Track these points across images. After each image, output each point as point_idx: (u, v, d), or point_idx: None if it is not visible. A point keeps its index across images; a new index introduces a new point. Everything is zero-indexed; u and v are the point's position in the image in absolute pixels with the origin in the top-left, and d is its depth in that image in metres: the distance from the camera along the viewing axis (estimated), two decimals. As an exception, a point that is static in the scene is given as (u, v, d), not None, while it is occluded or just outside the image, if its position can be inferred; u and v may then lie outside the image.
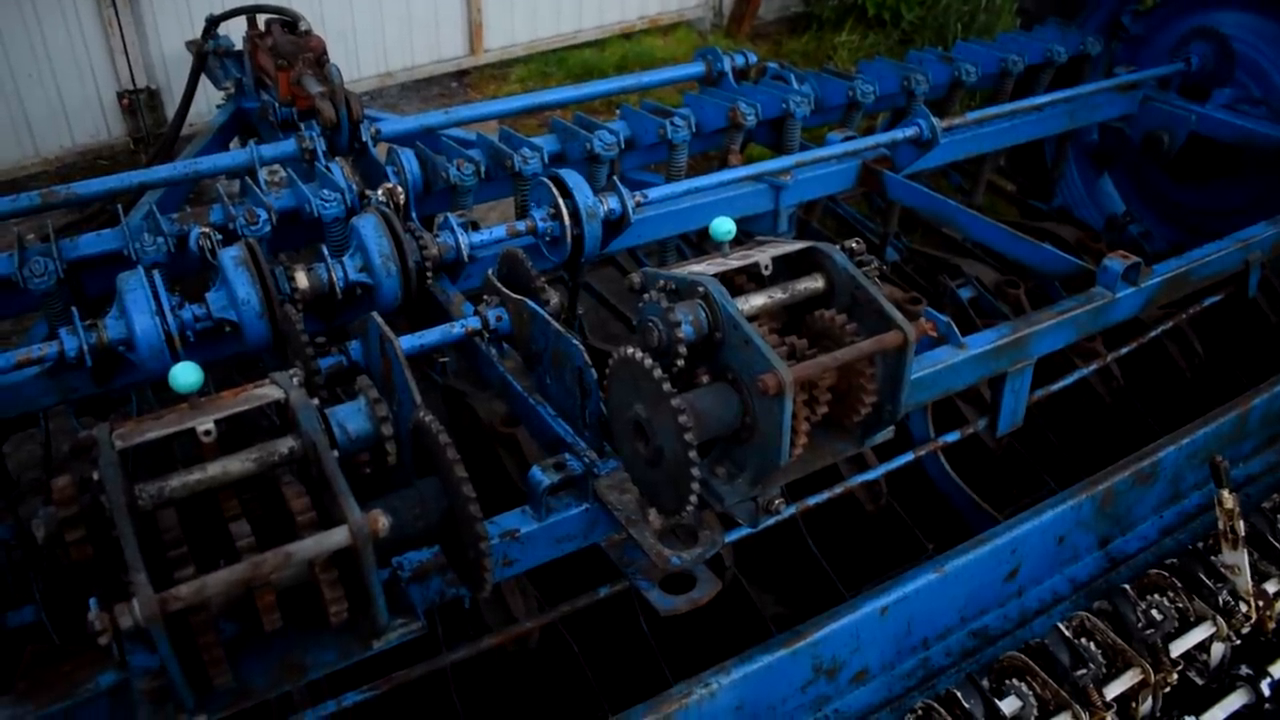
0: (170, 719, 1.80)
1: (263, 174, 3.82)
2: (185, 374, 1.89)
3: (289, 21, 4.61)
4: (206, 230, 3.17)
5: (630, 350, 2.12)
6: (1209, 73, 5.16)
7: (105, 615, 1.60)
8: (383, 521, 1.72)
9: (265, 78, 4.58)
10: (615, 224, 3.49)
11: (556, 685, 3.21)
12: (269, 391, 1.96)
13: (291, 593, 1.85)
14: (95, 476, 1.76)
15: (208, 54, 5.73)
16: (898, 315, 2.19)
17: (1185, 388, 4.43)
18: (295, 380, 2.01)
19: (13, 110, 7.44)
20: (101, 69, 7.69)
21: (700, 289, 2.18)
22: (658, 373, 2.04)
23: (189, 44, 6.18)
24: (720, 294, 2.16)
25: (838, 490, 3.37)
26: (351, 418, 2.01)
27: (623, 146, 4.18)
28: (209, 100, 6.85)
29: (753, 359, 2.07)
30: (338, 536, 1.70)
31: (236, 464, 1.85)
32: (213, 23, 5.67)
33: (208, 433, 1.85)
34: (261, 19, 4.74)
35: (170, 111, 7.54)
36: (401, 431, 2.15)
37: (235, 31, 5.29)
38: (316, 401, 1.94)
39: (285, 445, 1.88)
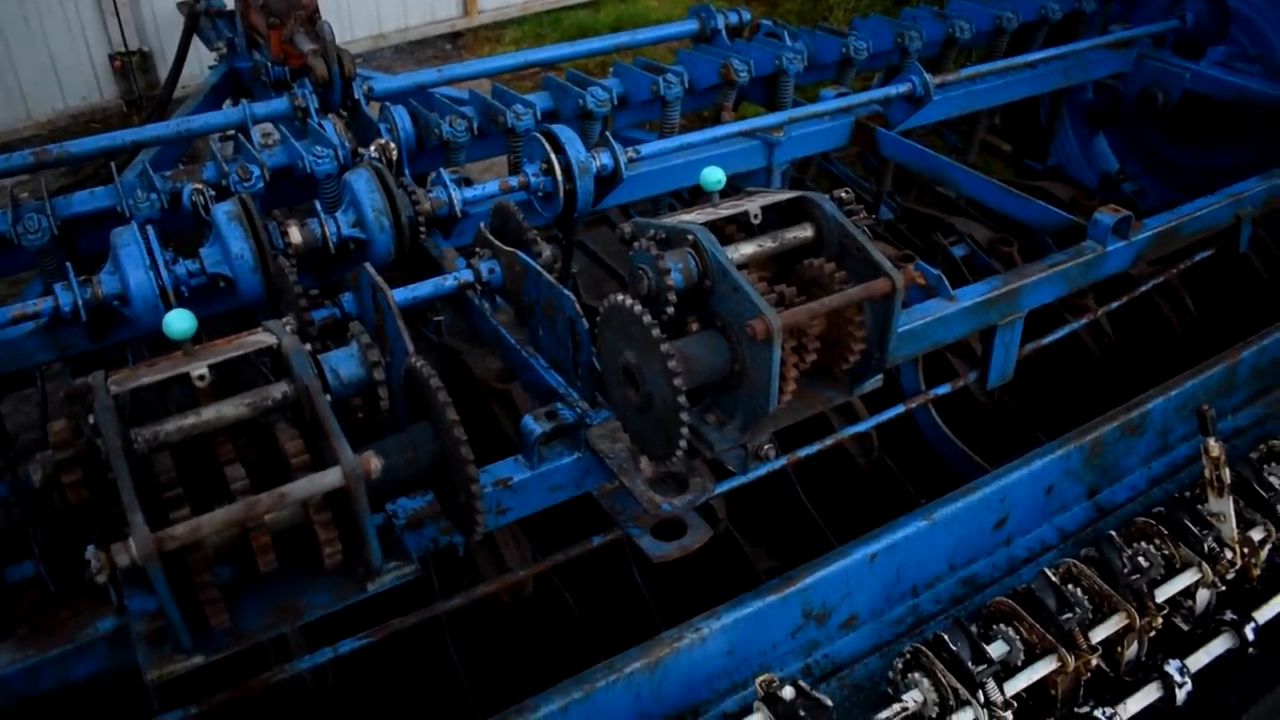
0: (168, 659, 1.83)
1: (256, 134, 3.82)
2: (179, 320, 1.91)
3: (280, -21, 4.57)
4: (200, 187, 3.18)
5: (620, 298, 2.14)
6: (1204, 30, 5.15)
7: (103, 554, 1.62)
8: (375, 463, 1.75)
9: (257, 37, 4.55)
10: (608, 180, 3.50)
11: (550, 635, 3.24)
12: (262, 338, 1.98)
13: (286, 536, 1.87)
14: (91, 420, 1.78)
15: (199, 14, 5.71)
16: (886, 263, 2.21)
17: (1176, 343, 4.45)
18: (288, 328, 2.03)
19: (4, 73, 7.42)
20: (93, 31, 7.65)
21: (690, 237, 2.20)
22: (647, 319, 2.06)
23: (180, 5, 6.14)
24: (709, 242, 2.17)
25: (828, 442, 3.39)
26: (344, 363, 2.03)
27: (616, 104, 4.18)
28: (201, 62, 6.81)
29: (742, 305, 2.09)
30: (331, 477, 1.72)
31: (230, 408, 1.87)
32: (204, -18, 5.64)
33: (202, 377, 1.87)
34: (253, -23, 4.71)
35: (163, 73, 7.51)
36: (394, 382, 2.17)
37: (226, -9, 5.27)
38: (309, 347, 1.96)
39: (279, 390, 1.90)
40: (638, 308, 2.08)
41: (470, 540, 2.07)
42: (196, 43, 5.87)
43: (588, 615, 3.23)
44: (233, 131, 3.98)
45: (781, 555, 3.68)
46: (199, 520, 1.67)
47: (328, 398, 1.88)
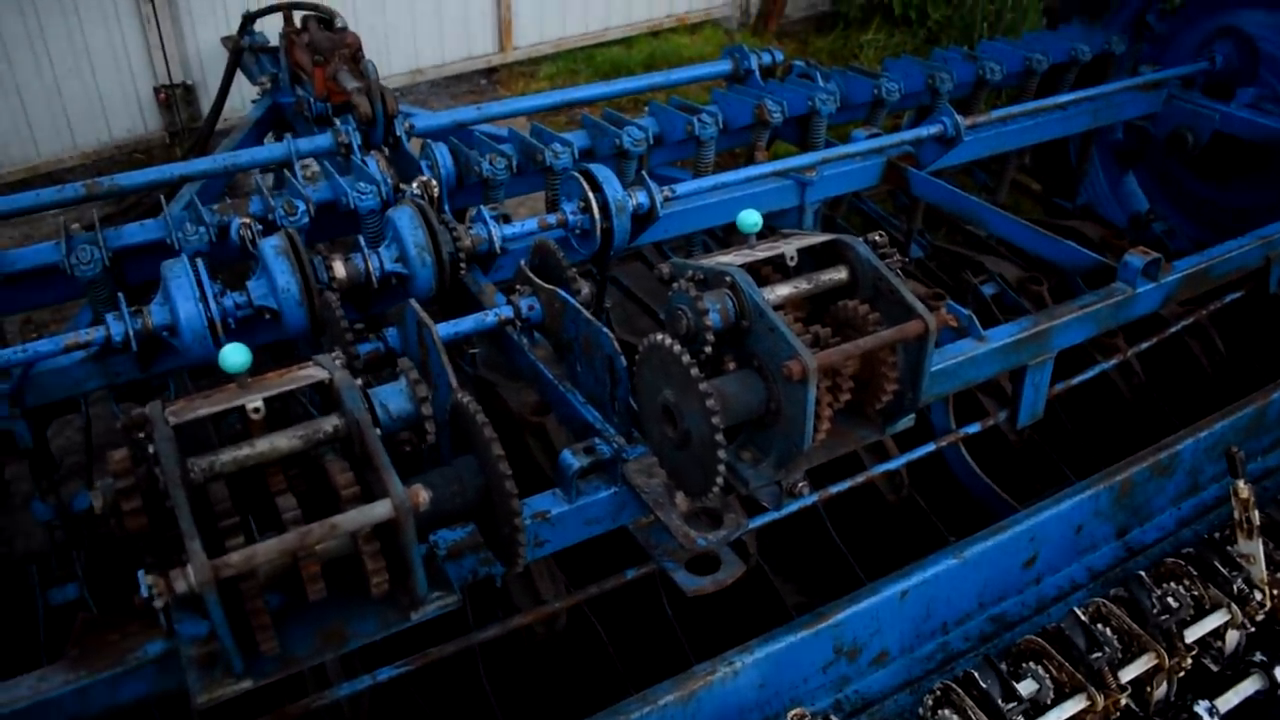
0: (218, 683, 1.89)
1: (299, 169, 3.92)
2: (235, 355, 1.98)
3: (325, 18, 4.70)
4: (247, 220, 3.27)
5: (660, 337, 2.19)
6: (1233, 71, 5.19)
7: (161, 580, 1.69)
8: (423, 495, 1.81)
9: (301, 73, 4.67)
10: (643, 218, 3.56)
11: (582, 667, 3.28)
12: (313, 372, 2.05)
13: (333, 565, 1.93)
14: (151, 450, 1.85)
15: (243, 50, 5.85)
16: (919, 305, 2.26)
17: (1206, 384, 4.46)
18: (338, 362, 2.10)
19: (52, 104, 7.59)
20: (139, 64, 7.83)
21: (727, 278, 2.26)
22: (686, 358, 2.12)
23: (225, 40, 6.30)
24: (747, 283, 2.23)
25: (859, 479, 3.43)
26: (393, 398, 2.09)
27: (651, 143, 4.25)
28: (243, 96, 6.98)
29: (778, 346, 2.15)
30: (381, 509, 1.78)
31: (284, 440, 1.94)
32: (249, 19, 5.78)
33: (257, 410, 1.94)
34: (298, 15, 4.84)
35: (205, 106, 7.67)
36: (438, 416, 2.23)
37: (270, 28, 5.40)
38: (360, 382, 2.02)
39: (330, 423, 1.96)
40: (677, 347, 2.13)
41: (511, 571, 2.13)
42: (239, 77, 6.01)
43: (619, 648, 3.27)
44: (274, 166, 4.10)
45: (811, 591, 3.71)
46: (254, 549, 1.73)
47: (377, 431, 1.94)
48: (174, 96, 7.98)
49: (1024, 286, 4.85)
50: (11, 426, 3.27)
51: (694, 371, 2.10)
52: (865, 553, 3.71)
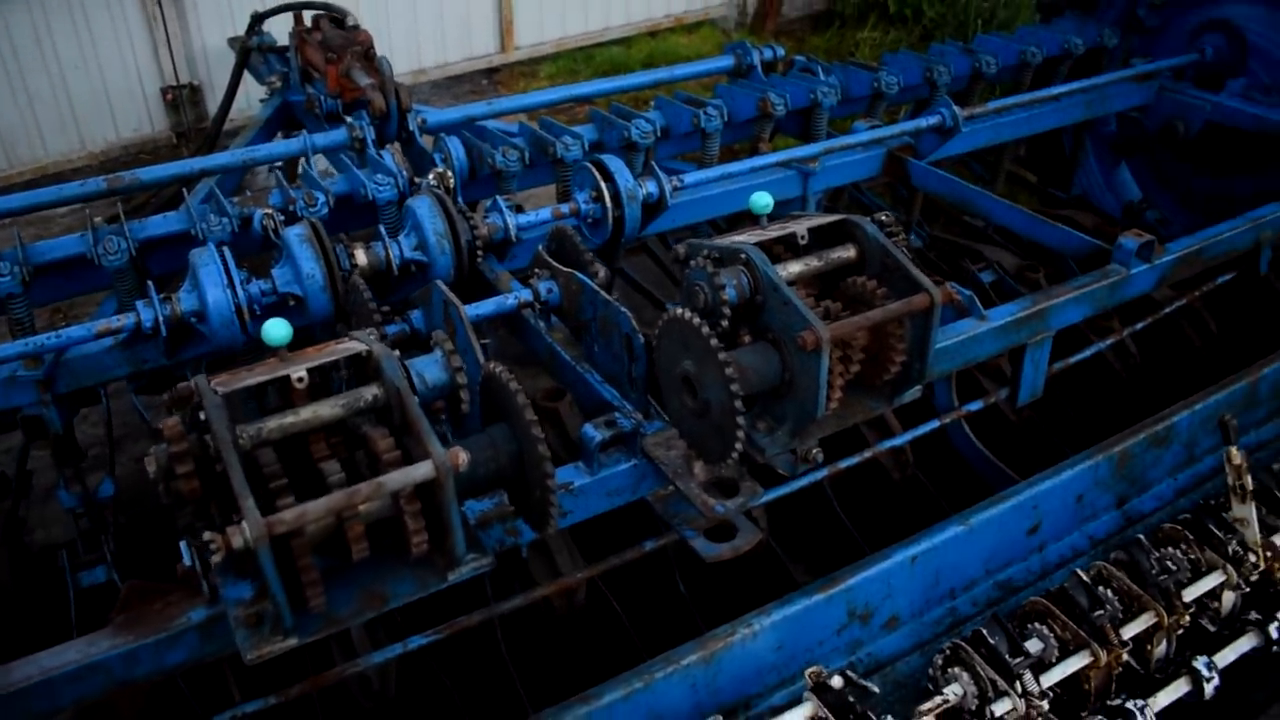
0: (266, 640, 1.98)
1: (314, 163, 4.01)
2: (277, 328, 2.08)
3: (337, 17, 4.80)
4: (270, 211, 3.37)
5: (680, 310, 2.30)
6: (1223, 63, 5.31)
7: (219, 536, 1.78)
8: (463, 456, 1.90)
9: (313, 71, 4.77)
10: (653, 207, 3.67)
11: (598, 642, 3.38)
12: (352, 345, 2.14)
13: (372, 529, 2.03)
14: (201, 417, 1.94)
15: (251, 50, 5.93)
16: (925, 280, 2.36)
17: (1199, 363, 4.57)
18: (373, 337, 2.20)
19: (60, 103, 7.68)
20: (146, 64, 7.93)
21: (742, 256, 2.36)
22: (706, 330, 2.22)
23: (231, 40, 6.39)
24: (761, 260, 2.34)
25: (866, 455, 3.53)
26: (429, 368, 2.19)
27: (658, 135, 4.35)
28: (249, 96, 7.05)
29: (792, 318, 2.25)
30: (423, 469, 1.88)
31: (326, 409, 2.03)
32: (258, 19, 5.86)
33: (300, 379, 2.03)
34: (308, 15, 4.93)
35: (212, 107, 7.77)
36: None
37: (277, 28, 5.49)
38: (397, 353, 2.12)
39: (370, 393, 2.06)
40: (696, 320, 2.24)
41: (543, 533, 2.22)
42: (245, 77, 6.09)
43: (633, 623, 3.36)
44: (280, 164, 4.19)
45: (819, 572, 3.79)
46: (305, 506, 1.83)
47: (415, 399, 2.04)
48: (180, 97, 8.07)
49: (1021, 274, 4.96)
50: (42, 412, 3.36)
51: (713, 343, 2.20)
52: (871, 530, 3.81)
